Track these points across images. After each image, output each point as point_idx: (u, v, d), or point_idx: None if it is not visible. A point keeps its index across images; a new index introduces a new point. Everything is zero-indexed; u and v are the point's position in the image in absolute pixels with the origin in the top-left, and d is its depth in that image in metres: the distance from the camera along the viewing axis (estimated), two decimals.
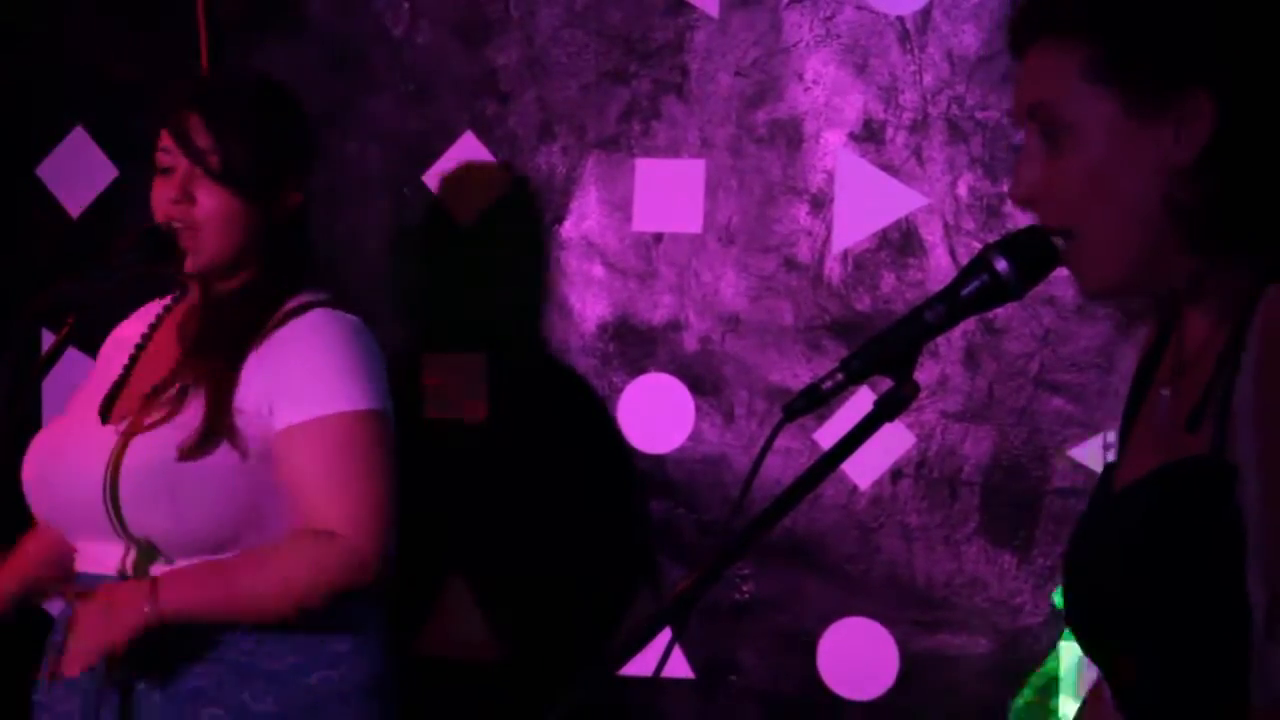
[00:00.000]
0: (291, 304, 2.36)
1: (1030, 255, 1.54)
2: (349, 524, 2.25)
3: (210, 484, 2.27)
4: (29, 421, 2.85)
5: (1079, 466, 2.69)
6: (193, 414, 2.29)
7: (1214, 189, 1.49)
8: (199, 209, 2.34)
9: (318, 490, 2.26)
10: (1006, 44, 1.58)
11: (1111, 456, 1.66)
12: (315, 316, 2.35)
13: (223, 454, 2.27)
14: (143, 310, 2.55)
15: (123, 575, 2.30)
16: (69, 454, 2.34)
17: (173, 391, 2.32)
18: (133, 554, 2.31)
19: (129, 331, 2.52)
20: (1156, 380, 1.60)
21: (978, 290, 1.54)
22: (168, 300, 2.52)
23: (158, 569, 2.30)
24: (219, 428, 2.27)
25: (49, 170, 3.19)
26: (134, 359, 2.46)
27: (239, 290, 2.39)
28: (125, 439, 2.30)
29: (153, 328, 2.49)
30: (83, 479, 2.31)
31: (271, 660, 2.30)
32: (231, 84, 2.48)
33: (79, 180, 3.17)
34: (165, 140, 2.37)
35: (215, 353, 2.33)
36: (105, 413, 2.39)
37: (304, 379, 2.30)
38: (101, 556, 2.33)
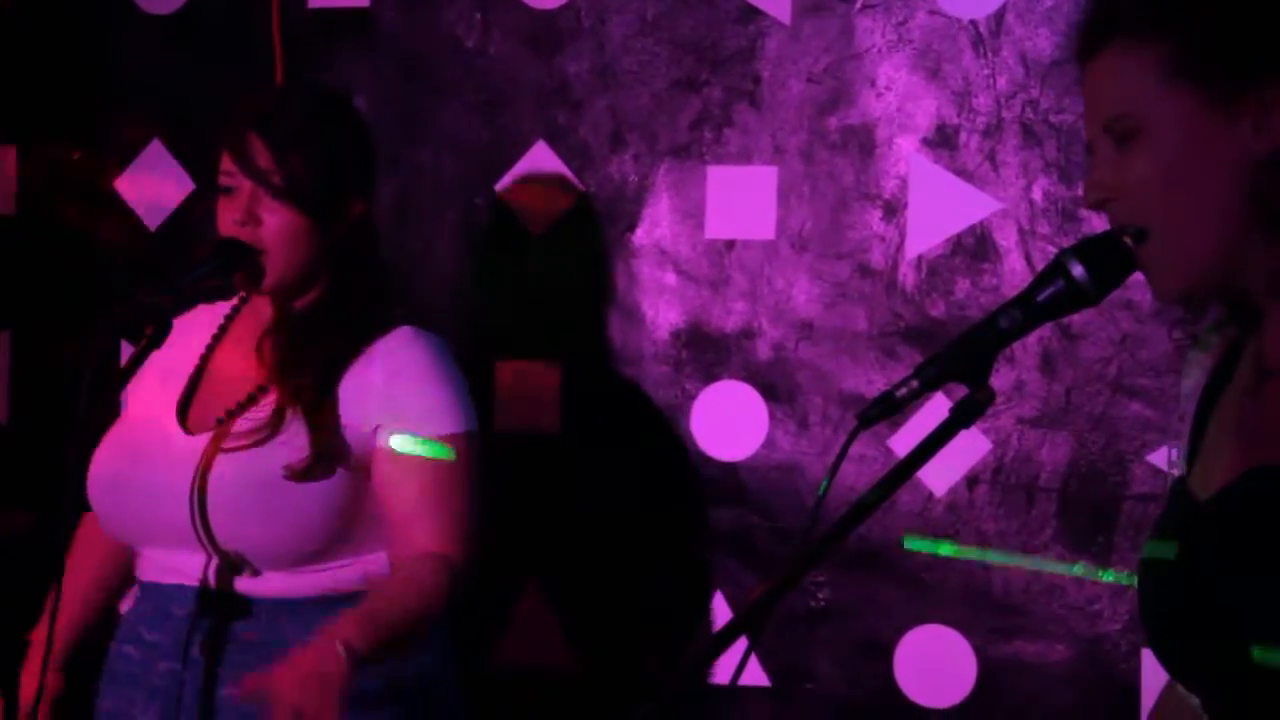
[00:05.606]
0: (374, 320, 2.38)
1: (1107, 260, 1.52)
2: (443, 547, 2.30)
3: (318, 500, 2.29)
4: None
5: (1158, 472, 2.66)
6: (296, 433, 2.30)
7: None
8: (265, 230, 2.34)
9: (415, 510, 2.31)
10: (1074, 50, 1.56)
11: (1176, 472, 1.63)
12: (404, 334, 2.37)
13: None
14: (194, 313, 2.51)
15: (205, 585, 2.32)
16: (149, 462, 2.35)
17: (268, 411, 2.33)
18: (215, 563, 2.32)
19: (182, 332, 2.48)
20: (1234, 388, 1.58)
21: (1053, 296, 1.53)
22: (226, 308, 2.52)
23: (242, 582, 2.32)
24: (331, 452, 2.29)
25: (127, 184, 3.22)
26: (203, 364, 2.47)
27: (315, 305, 2.40)
28: (213, 451, 2.31)
29: (220, 332, 2.49)
30: (167, 489, 2.32)
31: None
32: (289, 101, 2.46)
33: (156, 194, 3.20)
34: (226, 163, 2.36)
35: (309, 373, 2.33)
36: (183, 420, 2.40)
37: (403, 399, 2.33)
38: (179, 566, 2.34)
